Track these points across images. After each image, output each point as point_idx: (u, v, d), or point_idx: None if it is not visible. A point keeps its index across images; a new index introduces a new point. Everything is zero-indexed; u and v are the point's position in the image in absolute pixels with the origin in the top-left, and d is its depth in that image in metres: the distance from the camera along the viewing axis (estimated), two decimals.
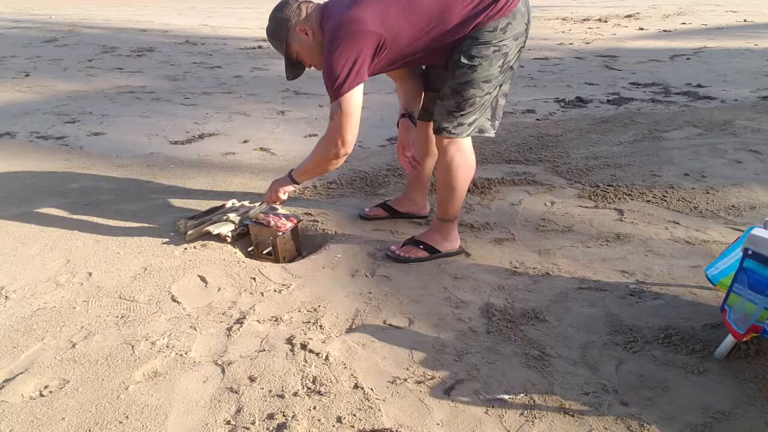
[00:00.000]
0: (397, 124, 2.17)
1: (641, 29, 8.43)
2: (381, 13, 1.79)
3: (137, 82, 5.22)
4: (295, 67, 2.02)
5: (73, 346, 1.67)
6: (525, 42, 1.94)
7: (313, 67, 2.02)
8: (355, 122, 1.87)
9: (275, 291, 1.95)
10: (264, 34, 2.03)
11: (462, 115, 1.93)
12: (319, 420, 1.39)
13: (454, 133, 1.96)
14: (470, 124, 1.97)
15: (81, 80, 5.28)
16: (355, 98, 1.83)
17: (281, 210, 2.39)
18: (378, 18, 1.78)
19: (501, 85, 1.98)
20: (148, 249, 2.23)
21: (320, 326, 1.75)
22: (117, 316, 1.81)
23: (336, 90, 1.80)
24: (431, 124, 2.06)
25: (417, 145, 2.22)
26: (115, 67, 5.87)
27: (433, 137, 2.09)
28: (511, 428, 1.37)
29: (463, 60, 1.85)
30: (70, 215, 2.53)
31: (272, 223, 2.16)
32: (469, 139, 2.03)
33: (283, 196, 2.17)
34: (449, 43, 1.87)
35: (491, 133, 2.07)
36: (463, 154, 2.02)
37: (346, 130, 1.86)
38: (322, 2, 1.97)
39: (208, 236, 2.28)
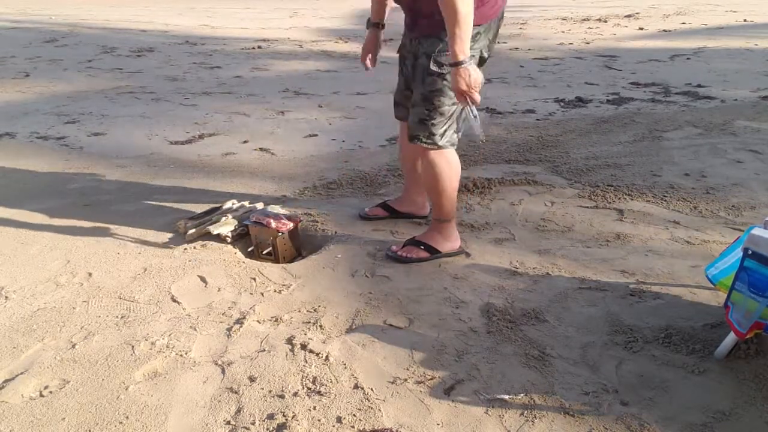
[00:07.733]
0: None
1: (641, 29, 8.42)
2: None
3: (137, 82, 5.22)
4: None
5: (73, 346, 1.67)
6: (496, 36, 1.97)
7: None
8: None
9: (275, 291, 1.95)
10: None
11: (433, 124, 1.95)
12: (319, 420, 1.39)
13: (426, 143, 1.98)
14: (443, 135, 1.97)
15: (81, 80, 5.28)
16: None
17: (282, 210, 2.39)
18: None
19: None
20: (148, 249, 2.23)
21: (320, 326, 1.75)
22: (117, 317, 1.81)
23: None
24: None
25: (410, 146, 2.13)
26: (115, 67, 5.86)
27: None
28: (511, 428, 1.37)
29: (433, 67, 1.88)
30: (70, 215, 2.52)
31: (272, 223, 2.16)
32: None
33: (480, 81, 1.80)
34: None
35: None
36: (444, 156, 2.02)
37: None
38: None
39: (208, 236, 2.28)
